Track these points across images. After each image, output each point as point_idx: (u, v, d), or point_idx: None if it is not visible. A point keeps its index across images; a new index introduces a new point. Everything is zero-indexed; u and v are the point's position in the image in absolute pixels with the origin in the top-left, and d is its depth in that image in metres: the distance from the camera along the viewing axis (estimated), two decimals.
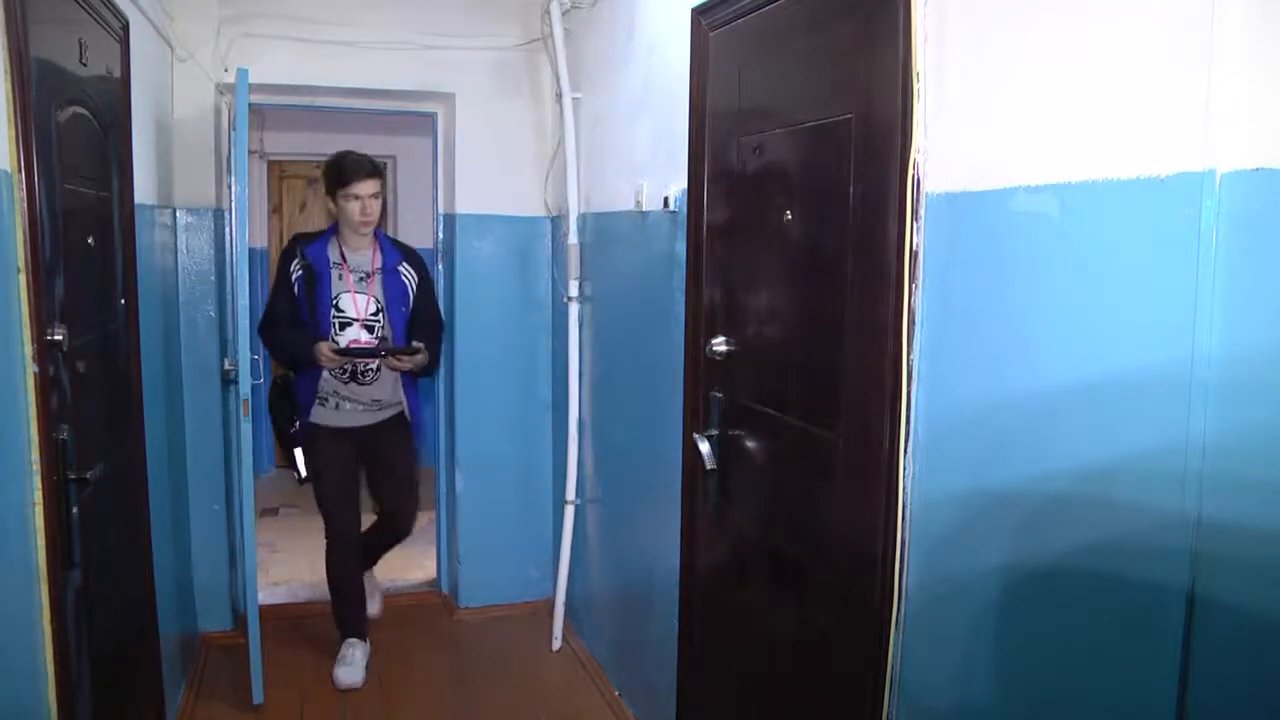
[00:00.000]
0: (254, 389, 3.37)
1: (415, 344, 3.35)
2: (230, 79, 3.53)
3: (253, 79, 3.34)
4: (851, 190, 1.84)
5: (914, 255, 1.66)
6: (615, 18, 3.23)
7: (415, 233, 6.10)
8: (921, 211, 1.65)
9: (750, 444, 2.31)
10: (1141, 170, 1.23)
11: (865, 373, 1.82)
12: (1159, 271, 1.21)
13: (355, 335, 3.35)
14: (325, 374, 3.36)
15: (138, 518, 2.71)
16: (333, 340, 3.32)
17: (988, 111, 1.51)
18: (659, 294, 2.84)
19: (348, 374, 3.38)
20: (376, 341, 3.38)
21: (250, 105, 3.34)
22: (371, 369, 3.40)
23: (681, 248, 2.64)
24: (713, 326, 2.46)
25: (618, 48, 3.20)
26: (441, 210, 4.26)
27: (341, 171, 3.28)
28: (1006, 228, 1.46)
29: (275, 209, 6.37)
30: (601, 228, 3.42)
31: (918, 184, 1.65)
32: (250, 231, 3.66)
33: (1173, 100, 1.19)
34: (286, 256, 3.36)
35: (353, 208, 3.28)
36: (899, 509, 1.72)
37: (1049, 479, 1.40)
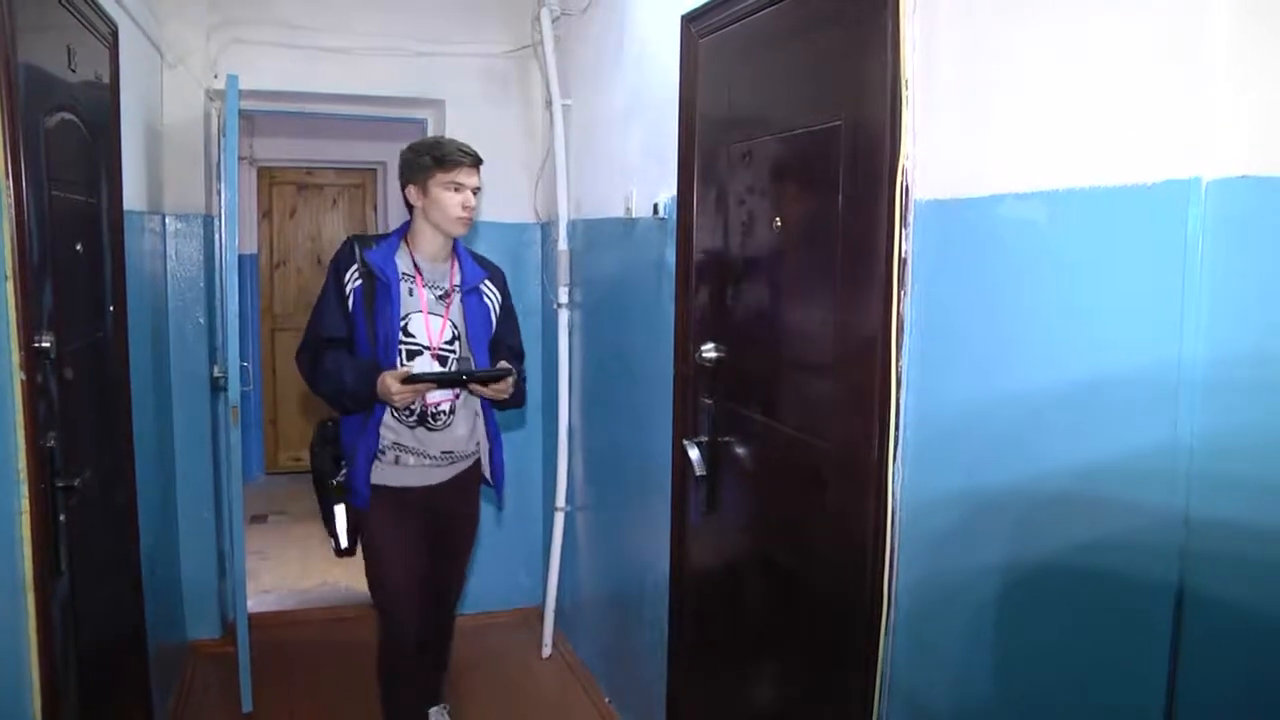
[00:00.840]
0: (244, 396, 3.36)
1: (503, 365, 2.62)
2: (220, 85, 3.53)
3: (243, 85, 3.34)
4: (841, 197, 1.85)
5: (903, 262, 1.67)
6: (605, 25, 3.23)
7: None
8: (910, 218, 1.65)
9: (740, 450, 2.31)
10: (1128, 178, 1.24)
11: (854, 378, 1.82)
12: (1146, 278, 1.21)
13: (426, 368, 2.59)
14: (386, 418, 2.61)
15: (126, 525, 2.70)
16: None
17: (976, 119, 1.52)
18: (649, 300, 2.84)
19: (415, 416, 2.61)
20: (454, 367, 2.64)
21: (240, 111, 3.33)
22: (444, 410, 2.64)
23: (671, 254, 2.64)
24: (702, 333, 2.47)
25: (608, 55, 3.21)
26: None
27: (444, 153, 2.58)
28: (995, 234, 1.47)
29: (265, 215, 6.37)
30: (592, 234, 3.43)
31: (907, 191, 1.66)
32: (240, 238, 3.61)
33: (1159, 108, 1.20)
34: (341, 262, 2.58)
35: (452, 200, 2.57)
36: (888, 514, 1.72)
37: (1039, 481, 1.40)
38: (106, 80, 2.58)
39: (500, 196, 3.94)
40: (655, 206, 2.75)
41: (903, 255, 1.66)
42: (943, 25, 1.59)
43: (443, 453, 2.66)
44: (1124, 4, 1.25)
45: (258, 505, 5.68)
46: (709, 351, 2.39)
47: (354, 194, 6.56)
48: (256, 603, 4.16)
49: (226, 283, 3.46)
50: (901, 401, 1.69)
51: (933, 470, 1.64)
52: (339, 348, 2.56)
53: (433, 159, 2.57)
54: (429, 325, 2.60)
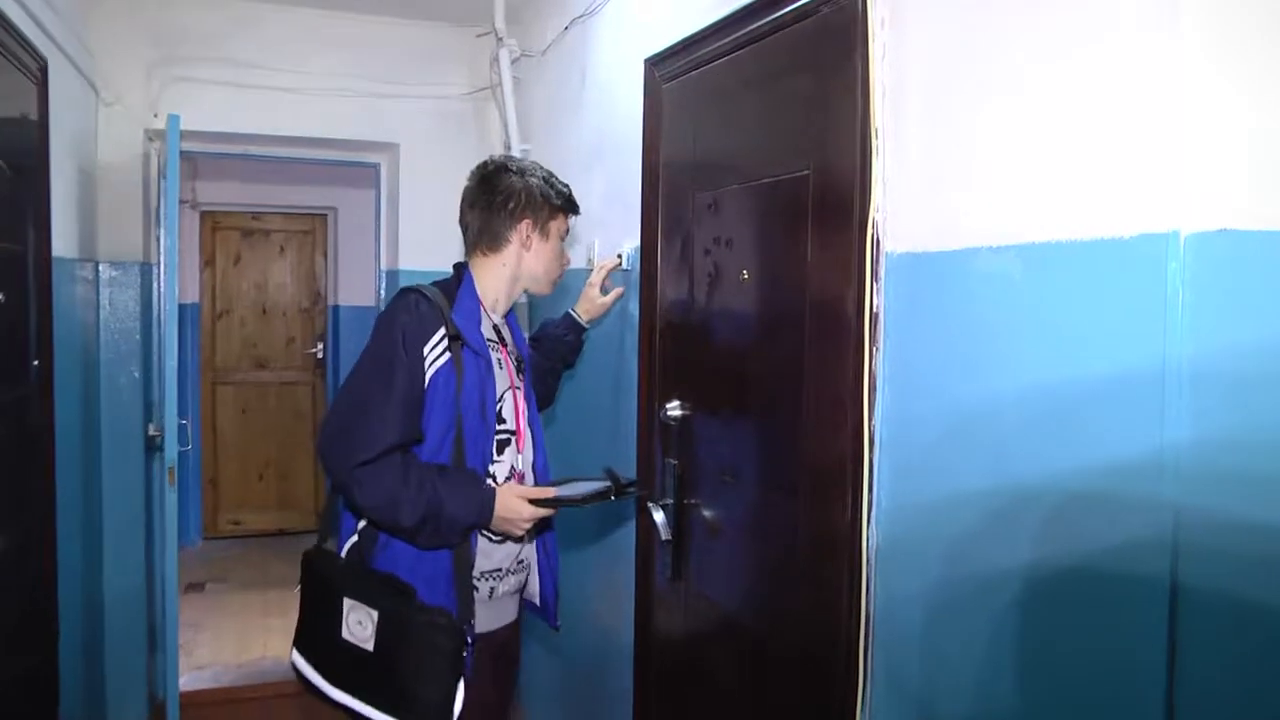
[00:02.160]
0: (181, 455, 3.29)
1: (633, 478, 2.33)
2: (160, 124, 3.51)
3: (185, 125, 3.33)
4: (810, 249, 1.86)
5: (874, 317, 1.67)
6: (566, 67, 3.26)
7: (354, 291, 6.10)
8: (882, 272, 1.66)
9: (707, 513, 2.29)
10: (1105, 231, 1.25)
11: (825, 439, 1.81)
12: (1125, 332, 1.22)
13: (513, 462, 2.16)
14: (483, 542, 2.10)
15: (43, 595, 2.61)
16: (492, 474, 2.09)
17: (949, 169, 1.53)
18: (611, 355, 2.83)
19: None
20: (576, 486, 2.13)
21: (182, 152, 3.31)
22: None
23: (634, 307, 2.64)
24: (667, 389, 2.46)
25: (568, 98, 3.23)
26: (384, 266, 4.24)
27: (572, 198, 2.29)
28: (969, 289, 1.47)
29: (208, 262, 6.33)
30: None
31: (877, 243, 1.67)
32: (180, 286, 3.58)
33: (1136, 160, 1.21)
34: (415, 328, 1.98)
35: (561, 254, 2.30)
36: (862, 584, 1.70)
37: (1017, 552, 1.39)
38: (34, 118, 2.55)
39: (457, 245, 3.91)
40: (620, 257, 2.75)
41: (874, 310, 1.67)
42: (913, 72, 1.62)
43: (518, 562, 2.19)
44: (1099, 54, 1.27)
45: (194, 572, 5.56)
46: (674, 409, 2.38)
47: (303, 241, 6.55)
48: (190, 680, 4.03)
49: (165, 334, 3.41)
50: (874, 462, 1.68)
51: (908, 528, 1.62)
52: (400, 453, 1.94)
53: (565, 199, 2.25)
54: (519, 405, 2.18)
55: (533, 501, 2.01)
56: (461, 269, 2.18)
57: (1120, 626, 1.23)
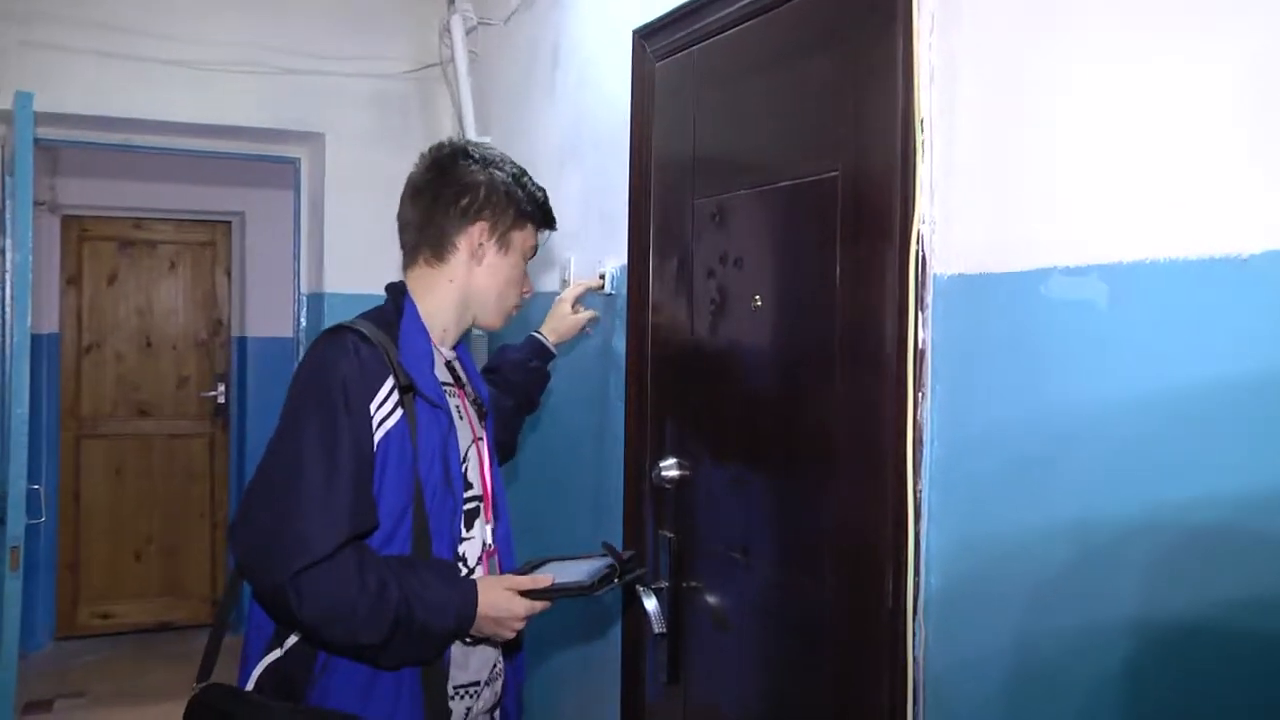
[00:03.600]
0: (31, 530, 3.24)
1: (632, 550, 2.24)
2: (7, 104, 3.47)
3: (42, 106, 3.31)
4: (839, 270, 1.89)
5: (920, 354, 1.70)
6: (535, 40, 3.31)
7: (266, 319, 6.06)
8: (928, 298, 1.70)
9: (711, 599, 2.31)
10: (1215, 248, 1.27)
11: (860, 506, 1.84)
12: (1244, 378, 1.24)
13: (484, 536, 2.11)
14: (456, 647, 2.01)
15: None
16: (462, 556, 2.03)
17: (1014, 171, 1.56)
18: (592, 401, 2.86)
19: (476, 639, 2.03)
20: (580, 568, 2.05)
21: (37, 140, 3.31)
22: None
23: (620, 342, 2.67)
24: (661, 445, 2.49)
25: (538, 78, 3.28)
26: (304, 289, 4.25)
27: (548, 206, 2.24)
28: (1038, 320, 1.50)
29: (72, 281, 6.28)
30: (518, 315, 3.44)
31: (923, 263, 1.70)
32: (35, 313, 3.56)
33: (1257, 160, 1.23)
34: (357, 380, 1.88)
35: (522, 275, 2.23)
36: (907, 687, 1.72)
37: (1102, 649, 1.42)
38: None
39: (396, 263, 3.93)
40: (601, 277, 2.79)
41: (919, 346, 1.70)
42: (969, 47, 1.65)
43: (494, 670, 2.13)
44: (1220, 18, 1.29)
45: (39, 686, 5.40)
46: (669, 469, 2.41)
47: (200, 255, 6.53)
48: None
49: (12, 373, 3.37)
50: (922, 537, 1.71)
51: (966, 630, 1.65)
52: (352, 548, 1.82)
53: (537, 206, 2.18)
54: (484, 461, 2.13)
55: (524, 593, 1.93)
56: (400, 294, 2.10)
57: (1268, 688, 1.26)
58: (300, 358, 4.08)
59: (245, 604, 2.04)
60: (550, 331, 2.68)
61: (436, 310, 2.09)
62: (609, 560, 2.03)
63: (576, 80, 3.03)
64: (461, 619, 1.86)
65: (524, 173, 2.19)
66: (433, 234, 2.09)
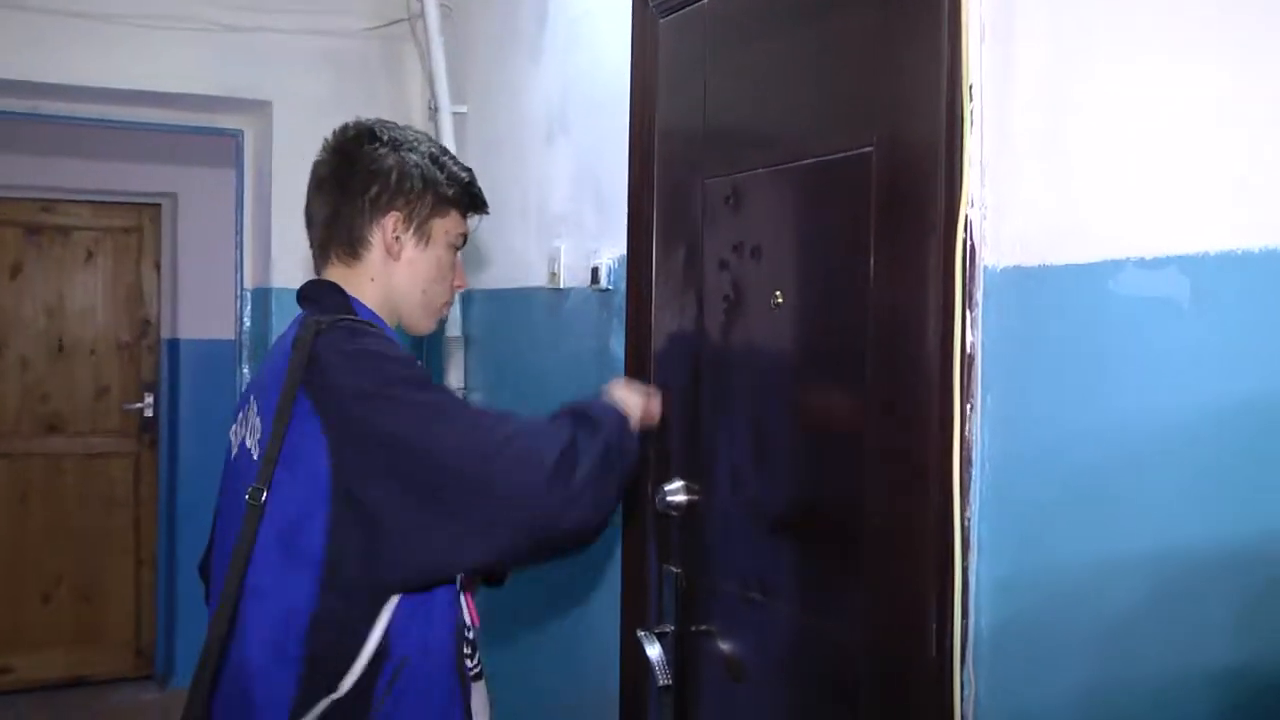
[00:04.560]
0: None
1: None
2: None
3: None
4: (873, 261, 1.90)
5: (968, 359, 1.71)
6: None
7: (202, 319, 6.01)
8: (978, 294, 1.70)
9: (725, 645, 2.32)
10: None
11: (897, 537, 1.85)
12: None
13: None
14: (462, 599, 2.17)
15: None
16: None
17: (1078, 144, 1.57)
18: None
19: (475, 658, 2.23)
20: None
21: None
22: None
23: (619, 345, 2.68)
24: (666, 465, 2.49)
25: (522, 37, 3.28)
26: (248, 284, 4.25)
27: (475, 188, 2.27)
28: (1107, 320, 1.51)
29: None
30: (498, 313, 3.45)
31: (972, 253, 1.71)
32: None
33: None
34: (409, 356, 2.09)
35: (450, 268, 2.27)
36: None
37: (1184, 703, 1.42)
38: None
39: None
40: (595, 271, 2.80)
41: (967, 349, 1.71)
42: (1026, 2, 1.65)
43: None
44: None
45: None
46: (676, 493, 2.42)
47: (123, 244, 6.50)
48: None
49: None
50: (971, 572, 1.71)
51: (1023, 677, 1.65)
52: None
53: (461, 188, 2.21)
54: None
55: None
56: (338, 291, 2.13)
57: None
58: (241, 364, 4.08)
59: (239, 665, 2.02)
60: None
61: (379, 309, 2.15)
62: None
63: (567, 39, 3.04)
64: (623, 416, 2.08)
65: (444, 152, 2.22)
66: (342, 229, 2.13)
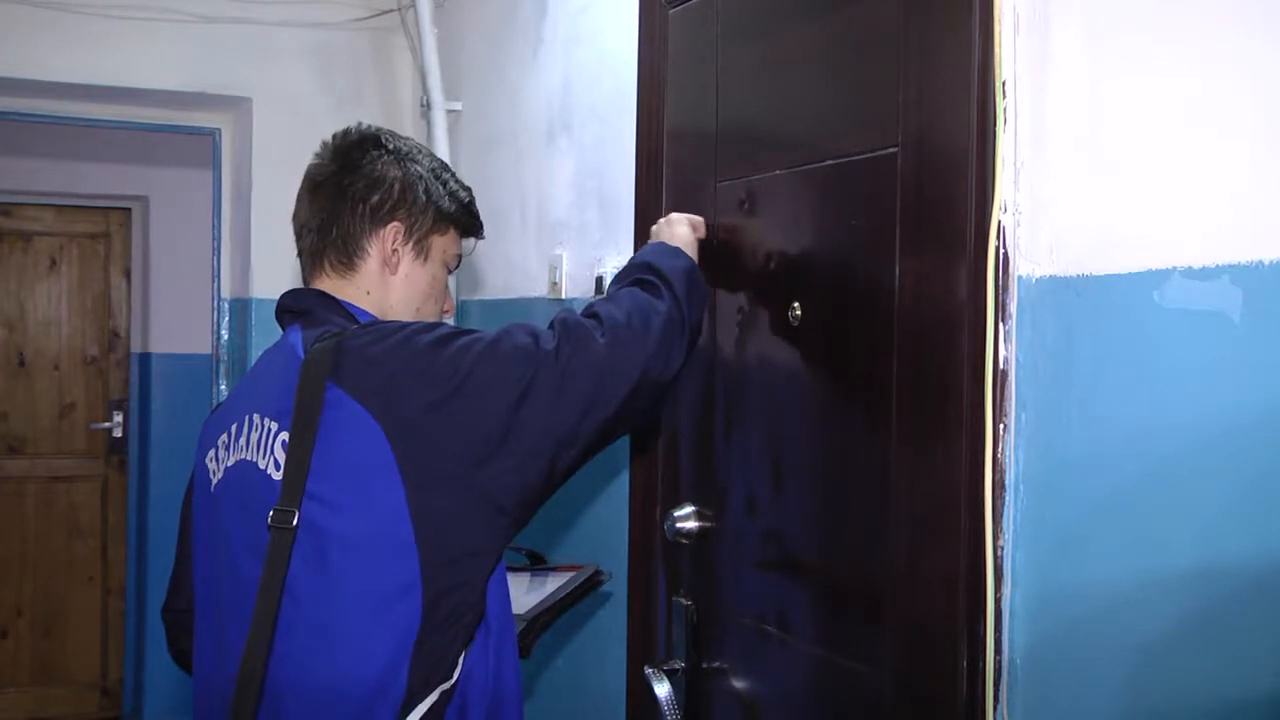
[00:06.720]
0: None
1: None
2: None
3: None
4: (898, 271, 1.91)
5: (1001, 375, 1.71)
6: None
7: (176, 332, 5.99)
8: (1012, 306, 1.71)
9: (738, 684, 2.31)
10: None
11: (924, 568, 1.85)
12: None
13: None
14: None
15: None
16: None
17: (1120, 145, 1.57)
18: None
19: None
20: None
21: None
22: None
23: None
24: (675, 489, 2.50)
25: (521, 30, 3.29)
26: (225, 293, 4.25)
27: (474, 211, 2.33)
28: (1151, 333, 1.51)
29: None
30: (495, 324, 3.45)
31: (1005, 262, 1.71)
32: None
33: None
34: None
35: (443, 287, 2.33)
36: None
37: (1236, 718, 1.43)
38: None
39: None
40: (599, 281, 2.80)
41: (1001, 365, 1.71)
42: None
43: None
44: None
45: None
46: (686, 520, 2.42)
47: (89, 251, 6.51)
48: None
49: None
50: (1004, 604, 1.72)
51: (1062, 717, 1.65)
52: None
53: (462, 208, 2.26)
54: None
55: None
56: (336, 301, 2.13)
57: None
58: (219, 381, 4.09)
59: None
60: None
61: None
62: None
63: (569, 31, 3.05)
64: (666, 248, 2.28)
65: (445, 167, 2.26)
66: (338, 238, 2.14)
